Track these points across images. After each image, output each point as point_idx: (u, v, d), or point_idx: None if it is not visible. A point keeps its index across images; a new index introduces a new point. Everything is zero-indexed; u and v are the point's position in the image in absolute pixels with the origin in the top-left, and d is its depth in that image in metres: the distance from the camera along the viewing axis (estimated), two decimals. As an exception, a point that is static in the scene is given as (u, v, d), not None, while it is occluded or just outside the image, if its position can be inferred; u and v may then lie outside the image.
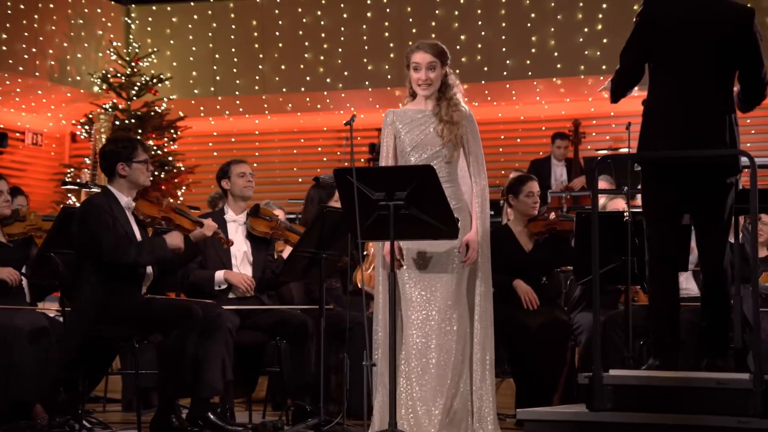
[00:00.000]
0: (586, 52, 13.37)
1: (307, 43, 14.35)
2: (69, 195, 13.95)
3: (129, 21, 14.94)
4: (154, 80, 14.14)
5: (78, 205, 9.93)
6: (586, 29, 13.39)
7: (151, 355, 7.46)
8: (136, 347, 6.18)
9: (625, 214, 6.30)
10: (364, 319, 6.94)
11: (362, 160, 14.05)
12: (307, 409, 6.55)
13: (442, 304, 5.61)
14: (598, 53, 13.31)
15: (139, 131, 13.62)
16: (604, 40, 13.28)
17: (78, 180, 13.60)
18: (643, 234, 6.31)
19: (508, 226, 7.28)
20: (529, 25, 13.55)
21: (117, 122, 13.42)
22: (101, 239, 6.11)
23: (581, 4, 13.41)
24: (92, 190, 7.28)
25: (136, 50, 14.34)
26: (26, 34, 13.42)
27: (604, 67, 13.25)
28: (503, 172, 12.35)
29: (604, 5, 13.30)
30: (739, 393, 4.91)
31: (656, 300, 5.54)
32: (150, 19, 15.01)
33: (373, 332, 5.75)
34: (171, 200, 6.64)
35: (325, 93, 14.36)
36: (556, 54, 13.46)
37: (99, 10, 14.56)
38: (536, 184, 7.38)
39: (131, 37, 14.86)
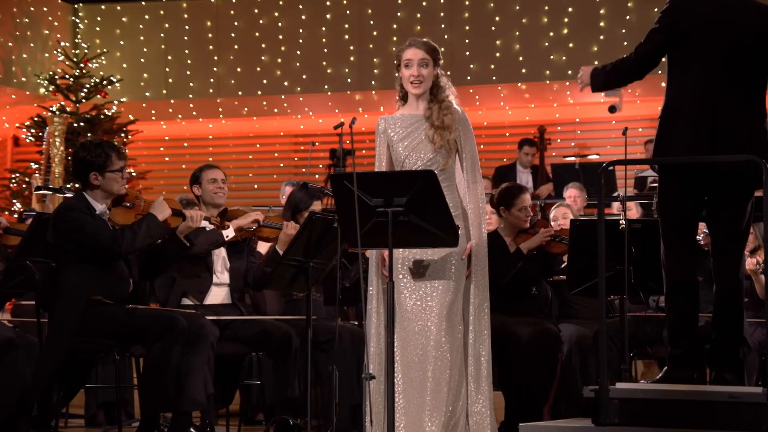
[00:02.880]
0: (552, 57, 13.39)
1: (263, 45, 14.24)
2: (14, 201, 13.71)
3: (77, 20, 14.73)
4: (104, 82, 13.95)
5: (25, 210, 9.75)
6: (551, 33, 13.42)
7: (114, 369, 7.33)
8: (117, 359, 6.04)
9: (621, 221, 6.24)
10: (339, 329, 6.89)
11: (321, 166, 13.96)
12: (290, 423, 6.44)
13: (438, 314, 5.52)
14: (564, 58, 13.33)
15: (89, 135, 13.42)
16: (570, 45, 13.31)
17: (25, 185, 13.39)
18: (639, 243, 6.30)
19: (499, 233, 7.21)
20: (493, 28, 13.55)
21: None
22: (95, 233, 6.03)
23: (546, 8, 13.44)
24: (66, 195, 7.11)
25: (85, 51, 14.14)
26: (-31, 33, 13.21)
27: (569, 71, 13.28)
28: (467, 179, 12.33)
29: (570, 9, 13.33)
30: (752, 407, 4.87)
31: (674, 311, 5.47)
32: (99, 18, 14.82)
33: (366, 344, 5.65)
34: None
35: (283, 97, 14.27)
36: (520, 58, 13.48)
37: (45, 9, 14.35)
38: (529, 196, 7.33)
39: (79, 37, 14.67)
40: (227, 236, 6.71)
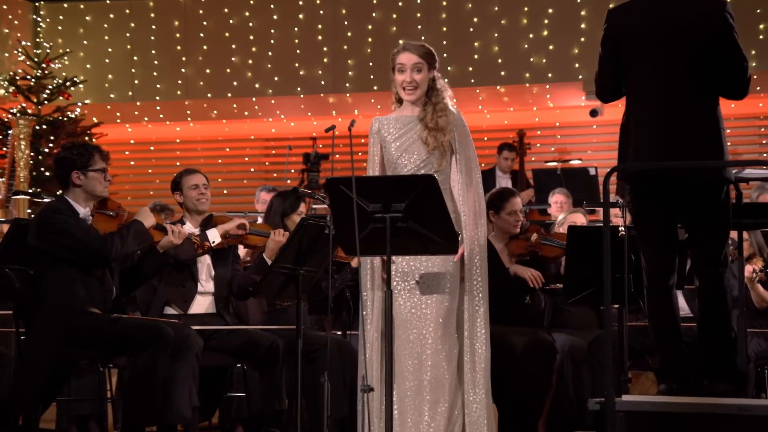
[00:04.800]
0: (531, 59, 13.41)
1: (234, 46, 14.17)
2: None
3: (38, 19, 14.60)
4: (67, 83, 13.81)
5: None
6: (531, 35, 13.43)
7: (86, 381, 7.25)
8: (101, 370, 5.96)
9: (620, 229, 6.23)
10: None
11: (293, 170, 13.90)
12: (278, 436, 6.40)
13: (435, 322, 5.51)
14: (544, 60, 13.35)
15: (51, 138, 13.29)
16: (550, 47, 13.32)
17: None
18: (638, 250, 6.30)
19: (490, 241, 7.18)
20: (471, 29, 13.55)
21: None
22: (84, 237, 5.98)
23: (526, 9, 13.45)
24: (44, 200, 7.02)
25: (47, 50, 13.99)
26: (-75, 31, 13.07)
27: (549, 74, 13.30)
28: (444, 185, 12.32)
29: (550, 10, 13.34)
30: (764, 420, 4.86)
31: (655, 321, 5.49)
32: (61, 17, 14.72)
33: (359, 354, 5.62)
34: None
35: (254, 99, 14.19)
36: (499, 61, 13.48)
37: (5, 7, 14.23)
38: (519, 200, 7.31)
39: (41, 36, 14.54)
40: (213, 242, 6.66)
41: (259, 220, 8.50)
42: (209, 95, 14.27)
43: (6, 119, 13.34)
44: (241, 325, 6.96)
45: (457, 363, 5.56)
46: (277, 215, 7.35)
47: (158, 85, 14.35)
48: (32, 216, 10.01)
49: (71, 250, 5.98)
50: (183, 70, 14.30)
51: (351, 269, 7.40)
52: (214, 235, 6.68)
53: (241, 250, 7.54)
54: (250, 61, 14.12)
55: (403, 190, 5.07)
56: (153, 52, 14.41)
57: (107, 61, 14.49)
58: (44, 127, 13.51)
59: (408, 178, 5.37)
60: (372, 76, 13.61)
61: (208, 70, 14.24)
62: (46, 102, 13.74)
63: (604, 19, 5.55)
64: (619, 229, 6.27)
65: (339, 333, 7.57)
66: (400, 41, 13.77)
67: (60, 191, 6.30)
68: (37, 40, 14.51)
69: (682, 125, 5.29)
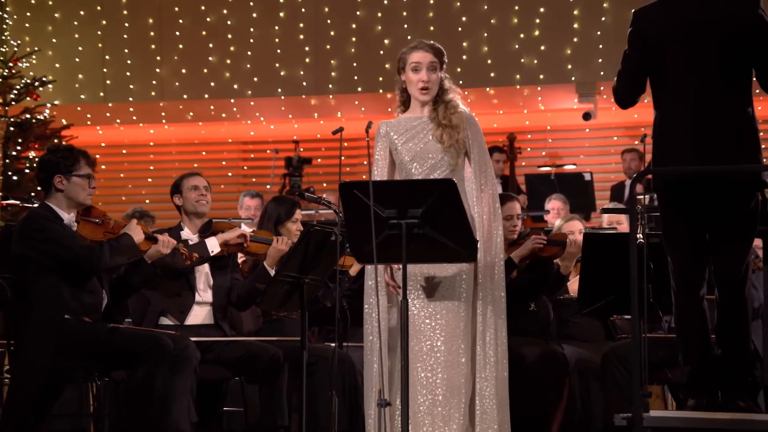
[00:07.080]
0: (522, 60, 13.40)
1: (211, 45, 14.11)
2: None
3: (4, 15, 14.45)
4: (35, 83, 13.66)
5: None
6: (522, 35, 13.42)
7: (67, 396, 7.17)
8: (97, 384, 5.88)
9: (638, 236, 6.20)
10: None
11: (272, 174, 13.85)
12: (280, 454, 6.33)
13: (449, 333, 5.46)
14: (535, 61, 13.34)
15: (20, 141, 13.16)
16: (542, 48, 13.31)
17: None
18: (657, 259, 6.27)
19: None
20: (459, 29, 13.53)
21: (-6, 131, 12.92)
22: (70, 245, 5.92)
23: (517, 8, 13.44)
24: (33, 205, 6.94)
25: (14, 49, 13.86)
26: None
27: (541, 76, 13.30)
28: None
29: (542, 9, 13.34)
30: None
31: (685, 333, 5.46)
32: (28, 14, 14.61)
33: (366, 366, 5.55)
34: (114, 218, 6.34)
35: (232, 101, 14.14)
36: (489, 61, 13.47)
37: (-32, 3, 14.09)
38: (517, 205, 7.27)
39: (7, 34, 14.38)
40: (212, 251, 6.59)
41: (243, 226, 8.42)
42: (185, 96, 14.19)
43: (-21, 121, 13.20)
44: (236, 336, 6.90)
45: (472, 375, 5.52)
46: (271, 221, 7.30)
47: (131, 86, 14.26)
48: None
49: (55, 257, 5.91)
50: (157, 70, 14.22)
51: (349, 278, 7.36)
52: (213, 245, 6.61)
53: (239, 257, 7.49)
54: (229, 61, 14.05)
55: (420, 195, 5.03)
56: (126, 51, 14.32)
57: (77, 60, 14.39)
58: (12, 129, 13.38)
59: (425, 183, 5.30)
60: (356, 77, 13.58)
61: (183, 70, 14.16)
62: (13, 103, 13.58)
63: (600, 20, 5.53)
64: (637, 236, 6.24)
65: (335, 345, 7.52)
66: (386, 41, 13.75)
67: (30, 195, 6.20)
68: (3, 37, 14.34)
69: (715, 129, 5.26)
